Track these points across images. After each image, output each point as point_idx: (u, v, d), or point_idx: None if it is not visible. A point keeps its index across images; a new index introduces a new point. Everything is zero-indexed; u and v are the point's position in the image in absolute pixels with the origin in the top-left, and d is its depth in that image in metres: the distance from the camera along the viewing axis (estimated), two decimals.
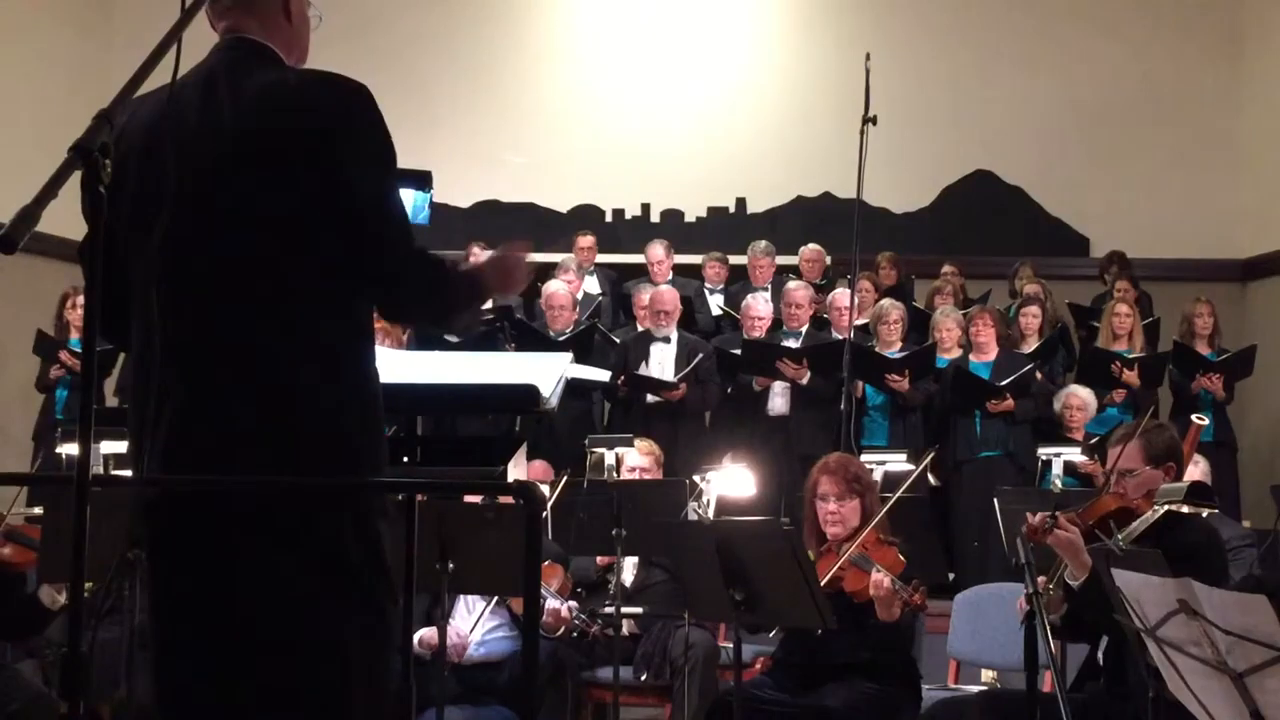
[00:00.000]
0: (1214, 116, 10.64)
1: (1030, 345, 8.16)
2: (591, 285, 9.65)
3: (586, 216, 10.93)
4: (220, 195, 2.29)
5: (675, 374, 7.79)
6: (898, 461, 6.26)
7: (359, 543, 2.30)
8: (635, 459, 5.80)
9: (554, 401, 2.76)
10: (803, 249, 9.70)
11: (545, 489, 5.54)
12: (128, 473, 2.50)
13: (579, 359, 4.95)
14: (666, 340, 7.97)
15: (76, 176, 1.79)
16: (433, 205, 2.69)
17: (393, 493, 2.45)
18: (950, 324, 7.99)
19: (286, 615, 2.28)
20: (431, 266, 2.39)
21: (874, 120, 6.57)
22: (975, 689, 4.99)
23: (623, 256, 10.33)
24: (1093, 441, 7.02)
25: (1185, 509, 3.83)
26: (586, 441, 5.77)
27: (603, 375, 5.87)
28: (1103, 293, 9.36)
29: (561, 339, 7.81)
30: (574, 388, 6.78)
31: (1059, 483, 6.31)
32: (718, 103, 11.07)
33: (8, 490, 5.08)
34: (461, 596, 5.18)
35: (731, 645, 4.48)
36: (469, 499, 4.73)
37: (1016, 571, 3.80)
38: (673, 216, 11.08)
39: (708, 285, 9.65)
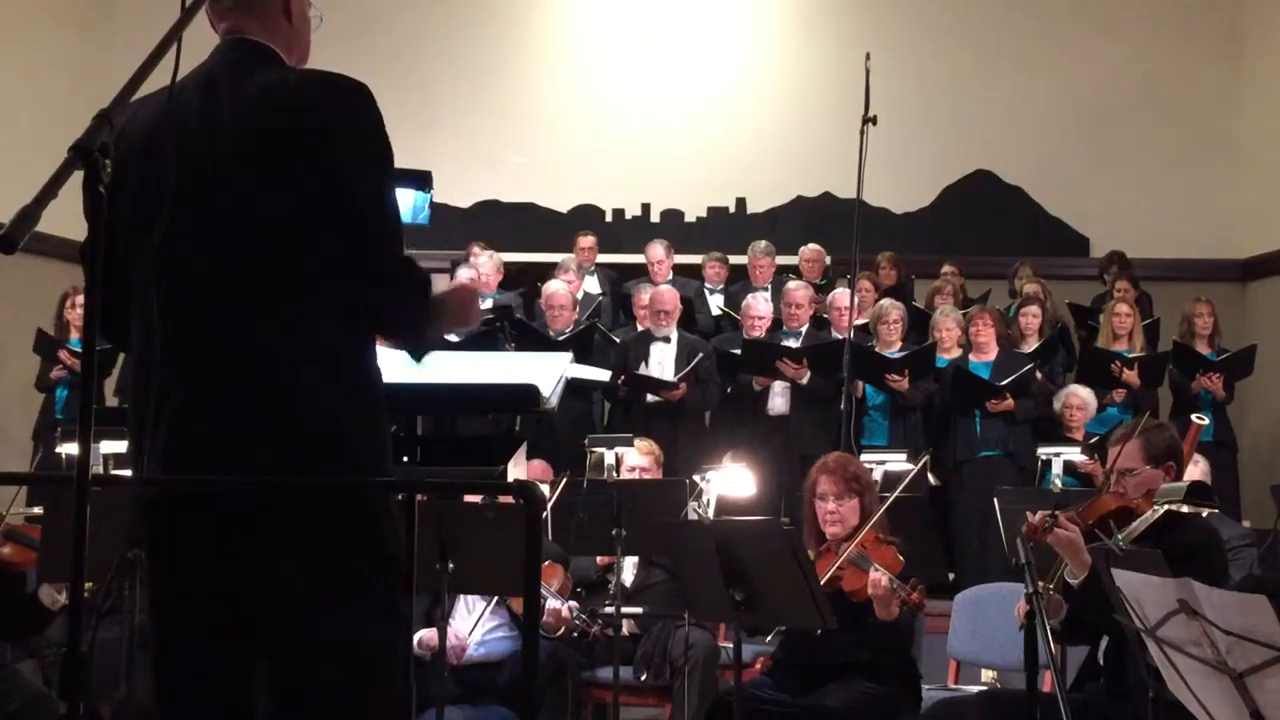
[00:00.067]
0: (1214, 116, 10.64)
1: (1030, 345, 8.16)
2: (592, 285, 9.65)
3: (586, 216, 10.93)
4: (220, 195, 2.29)
5: (675, 374, 7.79)
6: (897, 461, 6.26)
7: (364, 543, 2.30)
8: (635, 459, 5.80)
9: (554, 401, 2.77)
10: (803, 249, 9.70)
11: (545, 489, 5.54)
12: (128, 473, 2.50)
13: (579, 359, 4.96)
14: (666, 340, 7.97)
15: (77, 176, 1.79)
16: (433, 205, 2.69)
17: (393, 493, 2.45)
18: (950, 324, 7.99)
19: (287, 616, 2.28)
20: (419, 273, 2.39)
21: (874, 120, 6.57)
22: (975, 689, 4.99)
23: (623, 256, 10.33)
24: (1093, 441, 7.03)
25: (1185, 509, 3.83)
26: (586, 441, 5.77)
27: (603, 375, 5.87)
28: (1102, 293, 9.36)
29: (561, 339, 7.81)
30: (574, 388, 6.79)
31: (1059, 482, 6.31)
32: (718, 103, 11.07)
33: (8, 490, 5.07)
34: (461, 596, 5.18)
35: (731, 645, 4.47)
36: (469, 499, 4.73)
37: (1016, 571, 3.79)
38: (673, 216, 11.08)
39: (708, 285, 9.65)
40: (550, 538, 5.44)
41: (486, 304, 8.68)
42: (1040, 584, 3.71)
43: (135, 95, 2.01)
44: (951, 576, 6.44)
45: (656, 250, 9.43)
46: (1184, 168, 10.56)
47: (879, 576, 4.30)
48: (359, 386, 2.33)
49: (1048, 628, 3.62)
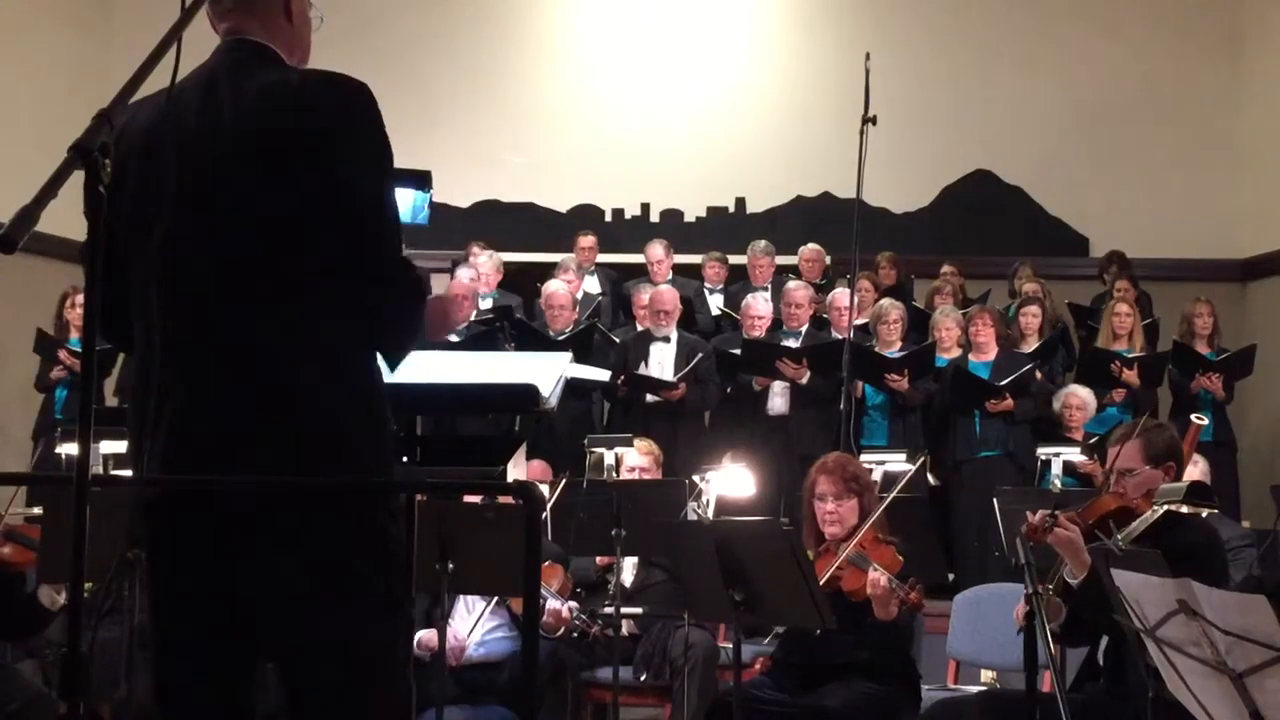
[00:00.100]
0: (1214, 116, 10.64)
1: (1030, 345, 8.17)
2: (592, 285, 9.65)
3: (586, 216, 10.93)
4: (220, 195, 2.29)
5: (675, 374, 7.79)
6: (897, 461, 6.26)
7: (365, 543, 2.30)
8: (635, 459, 5.80)
9: (554, 401, 2.77)
10: (802, 249, 9.70)
11: (544, 489, 5.54)
12: (128, 473, 2.50)
13: (579, 359, 4.95)
14: (666, 340, 7.98)
15: (77, 176, 1.79)
16: (433, 205, 2.69)
17: (392, 493, 2.45)
18: (950, 324, 7.99)
19: (287, 616, 2.28)
20: (414, 276, 2.39)
21: (874, 120, 6.57)
22: (975, 689, 4.99)
23: (622, 256, 10.33)
24: (1092, 441, 7.02)
25: (1185, 509, 3.84)
26: (586, 441, 5.78)
27: (602, 375, 5.87)
28: (1102, 292, 9.36)
29: (561, 339, 7.81)
30: (574, 387, 6.79)
31: (1059, 482, 6.32)
32: (718, 103, 11.07)
33: (7, 490, 5.06)
34: (461, 596, 5.18)
35: (731, 645, 4.48)
36: (469, 499, 4.73)
37: (1016, 571, 3.79)
38: (672, 216, 11.08)
39: (707, 285, 9.65)
40: (550, 538, 5.44)
41: (486, 304, 8.69)
42: (1040, 585, 3.71)
43: (135, 95, 2.01)
44: (951, 577, 6.44)
45: (656, 250, 9.43)
46: (1184, 168, 10.56)
47: (878, 576, 4.30)
48: (360, 386, 2.33)
49: (1047, 629, 3.62)
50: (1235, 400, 8.20)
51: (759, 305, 8.14)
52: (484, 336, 7.63)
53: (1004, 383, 7.52)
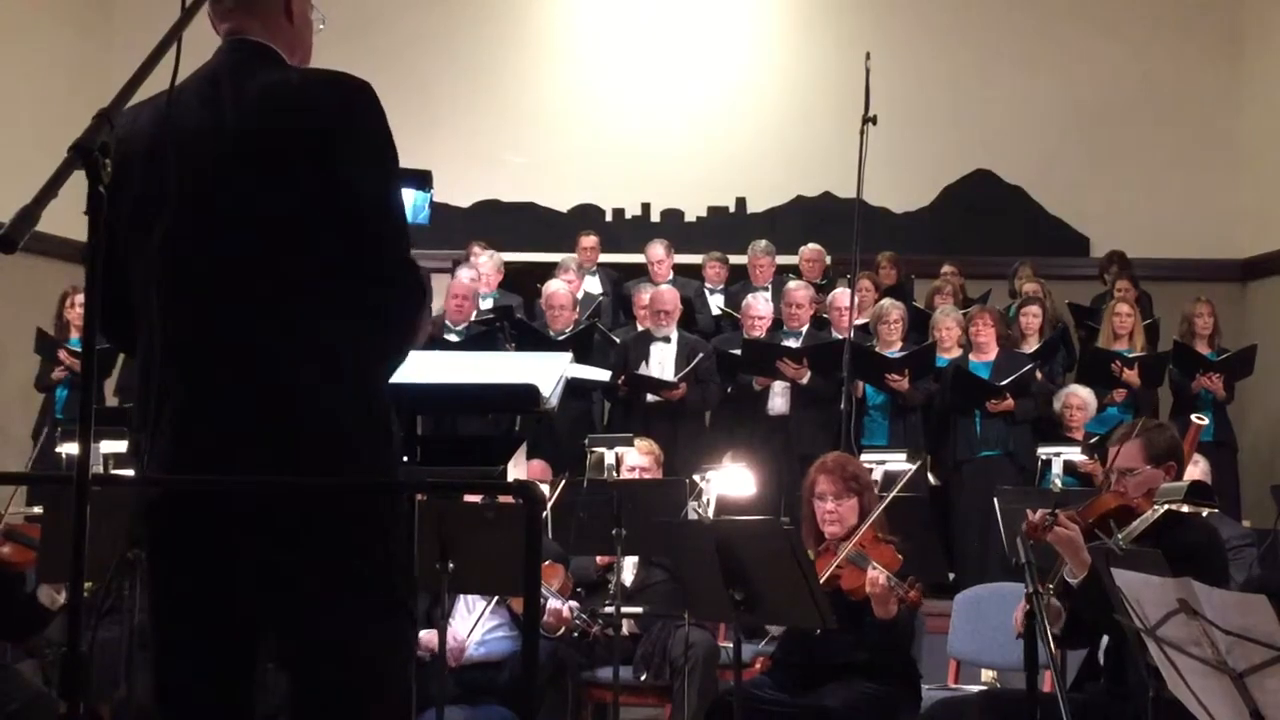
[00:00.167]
0: (1214, 116, 10.64)
1: (1030, 345, 8.16)
2: (593, 285, 9.66)
3: (586, 216, 10.93)
4: (220, 195, 2.28)
5: (675, 374, 7.79)
6: (897, 461, 6.25)
7: (366, 543, 2.30)
8: (635, 458, 5.80)
9: (554, 401, 2.76)
10: (803, 249, 9.70)
11: (544, 489, 5.54)
12: (128, 473, 2.50)
13: (579, 359, 4.95)
14: (666, 340, 7.98)
15: (77, 176, 1.79)
16: (433, 205, 2.69)
17: (392, 493, 2.45)
18: (950, 324, 7.99)
19: (288, 615, 2.28)
20: (420, 276, 2.39)
21: (874, 120, 6.57)
22: (975, 689, 4.99)
23: (623, 256, 10.33)
24: (1093, 441, 7.03)
25: (1185, 508, 3.83)
26: (586, 441, 5.77)
27: (603, 375, 5.87)
28: (1102, 292, 9.36)
29: (561, 339, 7.81)
30: (574, 387, 6.78)
31: (1059, 482, 6.31)
32: (718, 103, 11.07)
33: (7, 490, 5.06)
34: (461, 596, 5.18)
35: (731, 645, 4.47)
36: (469, 499, 4.73)
37: (1016, 571, 3.79)
38: (673, 216, 11.08)
39: (708, 285, 9.65)
40: (550, 537, 5.44)
41: (487, 304, 8.69)
42: (1040, 584, 3.71)
43: (136, 95, 2.00)
44: (951, 576, 6.43)
45: (656, 250, 9.43)
46: (1184, 168, 10.56)
47: (877, 575, 4.30)
48: (361, 386, 2.33)
49: (1048, 629, 3.62)
50: (1235, 400, 8.20)
51: (759, 305, 8.14)
52: (484, 336, 7.64)
53: (1004, 383, 7.52)
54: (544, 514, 4.84)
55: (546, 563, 5.23)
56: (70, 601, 1.83)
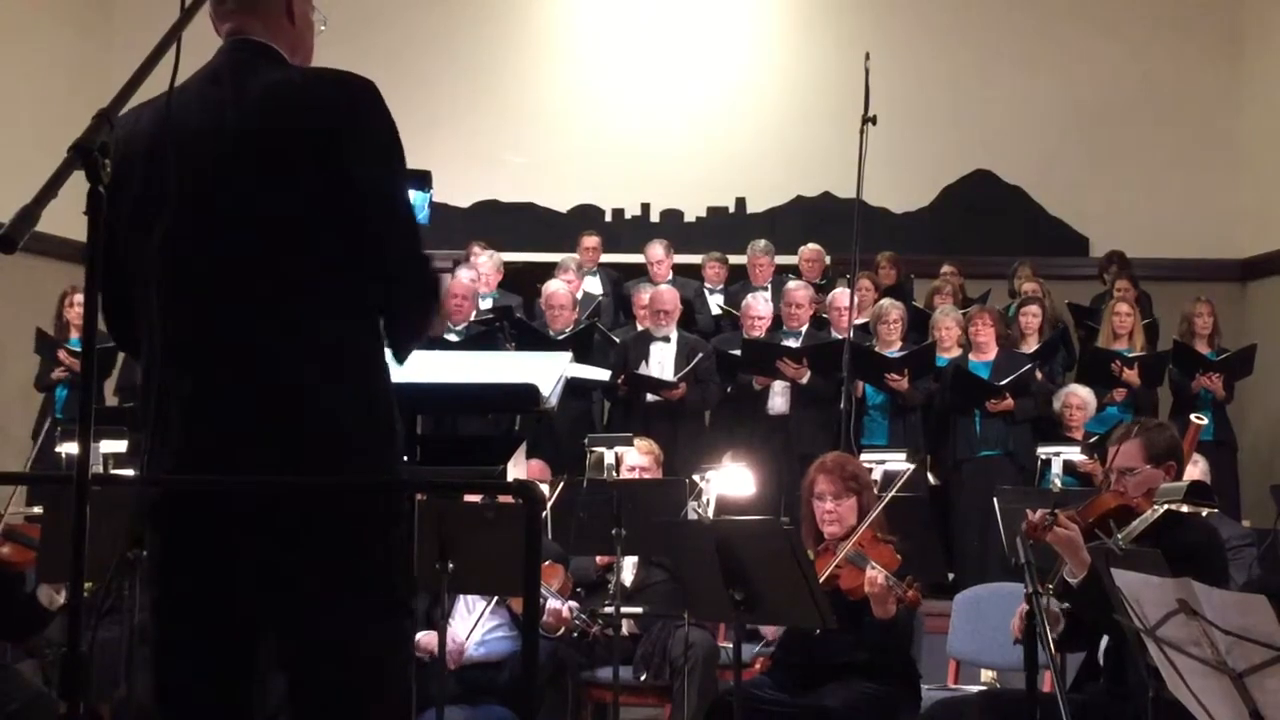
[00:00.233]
0: (1214, 116, 10.64)
1: (1030, 345, 8.17)
2: (594, 285, 9.66)
3: (586, 216, 10.93)
4: (221, 195, 2.28)
5: (675, 373, 7.80)
6: (897, 461, 6.25)
7: (368, 542, 2.30)
8: (635, 458, 5.80)
9: (554, 401, 2.76)
10: (802, 249, 9.70)
11: (544, 489, 5.54)
12: (128, 472, 2.51)
13: (579, 358, 4.95)
14: (666, 340, 7.98)
15: (78, 177, 1.79)
16: (433, 205, 2.69)
17: (392, 492, 2.45)
18: (950, 323, 8.00)
19: (290, 615, 2.28)
20: (431, 273, 2.39)
21: (874, 120, 6.57)
22: (975, 689, 4.99)
23: (623, 256, 10.33)
24: (1092, 441, 7.03)
25: (1185, 508, 3.83)
26: (586, 441, 5.77)
27: (603, 375, 5.87)
28: (1102, 292, 9.36)
29: (561, 338, 7.81)
30: (574, 387, 6.79)
31: (1059, 482, 6.31)
32: (718, 103, 11.06)
33: (7, 490, 5.06)
34: (461, 596, 5.18)
35: (731, 645, 4.47)
36: (469, 499, 4.73)
37: (1016, 571, 3.79)
38: (672, 216, 11.08)
39: (707, 285, 9.64)
40: (550, 537, 5.44)
41: (486, 304, 8.69)
42: (1040, 584, 3.71)
43: (136, 95, 2.00)
44: (951, 576, 6.44)
45: (656, 250, 9.43)
46: (1184, 168, 10.56)
47: (875, 574, 4.30)
48: (362, 386, 2.32)
49: (1048, 630, 3.62)
50: (1235, 400, 8.21)
51: (759, 305, 8.14)
52: (484, 336, 7.63)
53: (1004, 382, 7.52)
54: (544, 514, 4.84)
55: (546, 563, 5.23)
56: (70, 601, 1.83)
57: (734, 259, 9.65)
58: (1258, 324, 10.03)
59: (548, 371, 2.81)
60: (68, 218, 2.01)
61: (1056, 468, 6.57)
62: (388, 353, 2.40)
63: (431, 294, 2.42)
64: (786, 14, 11.22)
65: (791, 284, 8.24)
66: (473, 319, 8.09)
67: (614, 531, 4.97)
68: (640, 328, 8.43)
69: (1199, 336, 8.20)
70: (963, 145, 10.80)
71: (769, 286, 9.01)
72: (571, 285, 8.73)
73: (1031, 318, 8.25)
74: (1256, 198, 10.30)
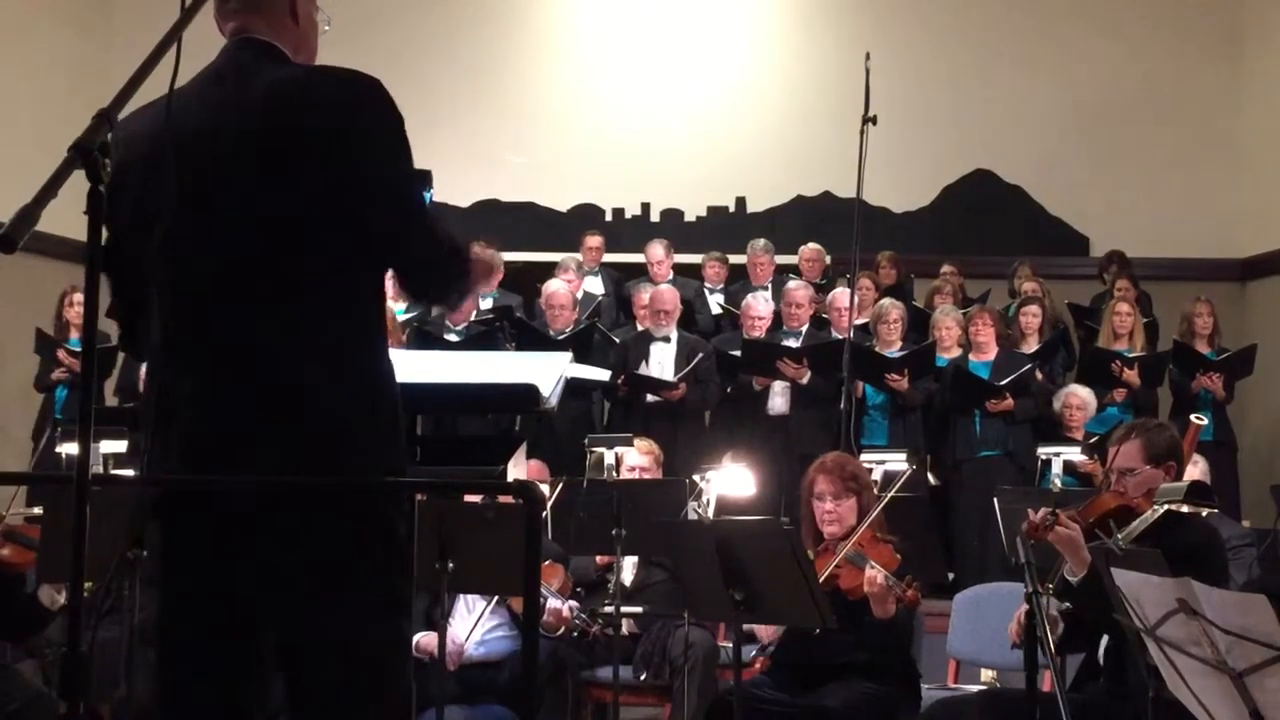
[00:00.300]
0: (1214, 116, 10.64)
1: (1030, 345, 8.17)
2: (596, 285, 9.66)
3: (586, 216, 10.93)
4: (222, 195, 2.28)
5: (675, 373, 7.80)
6: (897, 461, 6.25)
7: (369, 541, 2.30)
8: (635, 458, 5.80)
9: (554, 401, 2.76)
10: (803, 248, 9.70)
11: (544, 489, 5.54)
12: (128, 472, 2.51)
13: (579, 358, 4.95)
14: (666, 340, 7.98)
15: (78, 176, 1.79)
16: (433, 205, 2.69)
17: (392, 492, 2.45)
18: (950, 323, 7.99)
19: (291, 615, 2.28)
20: (453, 260, 2.42)
21: (874, 120, 6.57)
22: (975, 689, 4.99)
23: (623, 256, 10.33)
24: (1092, 441, 7.02)
25: (1185, 508, 3.84)
26: (586, 441, 5.77)
27: (603, 375, 5.86)
28: (1102, 292, 9.36)
29: (561, 338, 7.81)
30: (574, 387, 6.79)
31: (1059, 482, 6.31)
32: (718, 103, 11.06)
33: (7, 490, 5.06)
34: (461, 596, 5.18)
35: (731, 645, 4.47)
36: (469, 499, 4.73)
37: (1016, 571, 3.80)
38: (673, 216, 11.08)
39: (708, 285, 9.65)
40: (550, 537, 5.44)
41: (487, 304, 8.69)
42: (1040, 584, 3.71)
43: (136, 95, 2.00)
44: (951, 576, 6.44)
45: (656, 250, 9.43)
46: (1184, 168, 10.56)
47: (875, 574, 4.30)
48: (366, 385, 2.32)
49: (1047, 630, 3.62)
50: (1235, 400, 8.20)
51: (759, 305, 8.13)
52: (484, 336, 7.63)
53: (1004, 382, 7.52)
54: (544, 514, 4.84)
55: (546, 563, 5.23)
56: (70, 601, 1.83)
57: (734, 259, 9.65)
58: (1258, 324, 10.03)
59: (548, 371, 2.81)
60: (68, 218, 2.01)
61: (1056, 468, 6.57)
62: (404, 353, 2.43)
63: (461, 276, 2.45)
64: (786, 14, 11.22)
65: (791, 284, 8.24)
66: (473, 319, 8.08)
67: (614, 531, 4.97)
68: (640, 328, 8.43)
69: (1199, 336, 8.20)
70: (963, 145, 10.80)
71: (769, 286, 9.01)
72: (572, 285, 8.73)
73: (1031, 318, 8.25)
74: (1256, 198, 10.30)
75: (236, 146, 2.27)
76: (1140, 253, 9.73)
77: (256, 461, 2.24)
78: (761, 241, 9.34)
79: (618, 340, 8.34)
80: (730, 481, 5.73)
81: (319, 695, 2.30)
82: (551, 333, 7.97)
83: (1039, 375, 7.88)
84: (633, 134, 11.00)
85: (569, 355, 3.13)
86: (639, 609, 5.49)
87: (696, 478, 5.58)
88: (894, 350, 7.88)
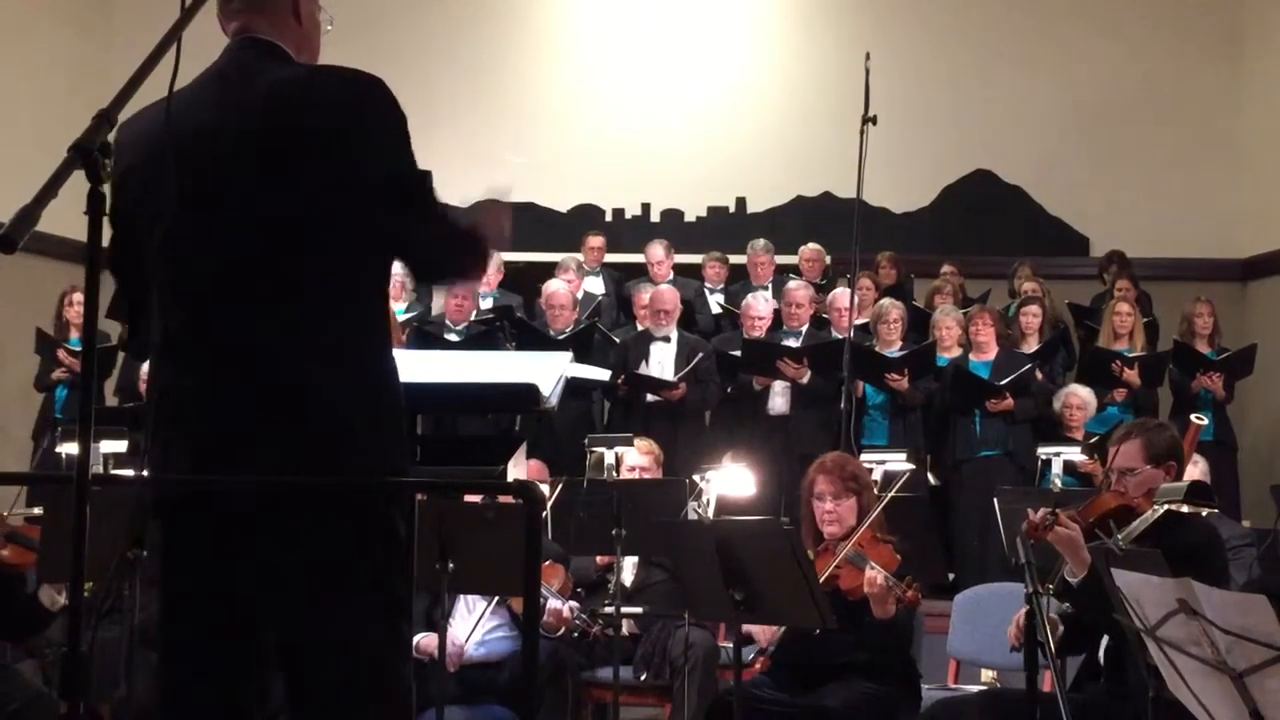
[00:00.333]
0: (1214, 116, 10.63)
1: (1030, 345, 8.16)
2: (596, 285, 9.66)
3: (587, 216, 10.93)
4: (222, 195, 2.28)
5: (675, 373, 7.79)
6: (897, 461, 6.25)
7: (370, 541, 2.30)
8: (635, 458, 5.80)
9: (554, 401, 2.76)
10: (803, 248, 9.70)
11: (544, 489, 5.54)
12: (128, 472, 2.51)
13: (579, 358, 4.95)
14: (666, 340, 7.98)
15: (78, 176, 1.79)
16: None
17: (392, 492, 2.45)
18: (950, 323, 7.99)
19: (291, 615, 2.28)
20: (466, 245, 2.46)
21: (874, 120, 6.57)
22: (975, 689, 4.99)
23: (623, 256, 10.33)
24: (1093, 441, 7.02)
25: (1185, 508, 3.83)
26: (586, 441, 5.77)
27: (603, 374, 5.87)
28: (1102, 292, 9.36)
29: (561, 338, 7.81)
30: (574, 387, 6.79)
31: (1059, 482, 6.31)
32: (718, 103, 11.06)
33: (7, 490, 5.06)
34: (461, 596, 5.18)
35: (731, 645, 4.47)
36: (469, 499, 4.73)
37: (1016, 571, 3.80)
38: (673, 216, 11.08)
39: (708, 285, 9.65)
40: (550, 537, 5.44)
41: (487, 304, 8.69)
42: (1040, 584, 3.71)
43: (135, 95, 2.00)
44: (951, 576, 6.43)
45: (656, 250, 9.43)
46: (1184, 168, 10.56)
47: (874, 574, 4.30)
48: (367, 384, 2.32)
49: (1047, 630, 3.62)
50: (1235, 400, 8.20)
51: (759, 305, 8.13)
52: (484, 336, 7.64)
53: (1004, 382, 7.52)
54: (544, 514, 4.84)
55: (546, 563, 5.23)
56: (70, 601, 1.83)
57: (734, 259, 9.65)
58: (1258, 324, 10.02)
59: (548, 371, 2.81)
60: (68, 218, 2.01)
61: (1056, 468, 6.57)
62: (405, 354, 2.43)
63: (475, 256, 2.51)
64: (786, 14, 11.22)
65: (792, 284, 8.24)
66: (473, 319, 8.09)
67: (614, 531, 4.97)
68: (640, 328, 8.43)
69: (1199, 336, 8.20)
70: (963, 145, 10.80)
71: (769, 286, 9.01)
72: (572, 285, 8.73)
73: (1031, 318, 8.25)
74: (1256, 198, 10.30)
75: (237, 146, 2.27)
76: (1140, 253, 9.73)
77: (257, 461, 2.24)
78: (761, 241, 9.34)
79: (618, 340, 8.34)
80: (730, 481, 5.73)
81: (319, 695, 2.30)
82: (552, 333, 7.98)
83: (1039, 375, 7.87)
84: (633, 134, 11.00)
85: (569, 355, 3.13)
86: (639, 609, 5.49)
87: (696, 478, 5.58)
88: (894, 350, 7.88)
